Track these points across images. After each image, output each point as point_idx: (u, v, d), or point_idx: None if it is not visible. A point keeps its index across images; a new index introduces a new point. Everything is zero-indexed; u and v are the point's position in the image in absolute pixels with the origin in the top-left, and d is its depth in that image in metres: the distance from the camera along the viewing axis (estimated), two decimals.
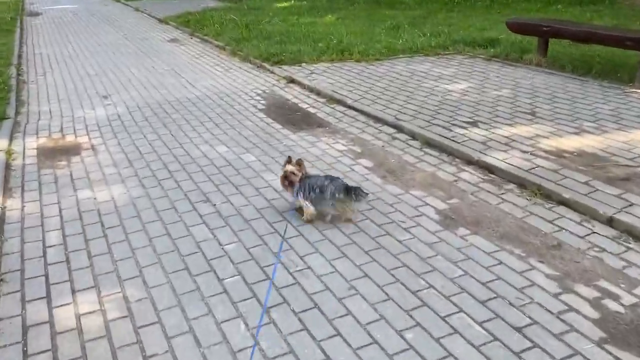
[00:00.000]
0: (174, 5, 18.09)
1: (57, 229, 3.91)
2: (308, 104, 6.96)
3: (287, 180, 3.77)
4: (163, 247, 3.65)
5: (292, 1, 15.80)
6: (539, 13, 12.16)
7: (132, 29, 14.07)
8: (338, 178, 3.78)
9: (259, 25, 12.06)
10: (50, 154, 5.41)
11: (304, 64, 8.66)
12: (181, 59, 10.05)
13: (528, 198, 4.21)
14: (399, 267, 3.36)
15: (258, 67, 9.07)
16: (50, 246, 3.69)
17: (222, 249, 3.62)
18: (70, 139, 5.89)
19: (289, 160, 3.82)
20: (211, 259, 3.49)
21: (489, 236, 3.71)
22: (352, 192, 3.59)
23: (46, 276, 3.35)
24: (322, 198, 3.63)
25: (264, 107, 6.89)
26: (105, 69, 9.25)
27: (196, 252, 3.58)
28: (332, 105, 6.78)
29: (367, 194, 3.81)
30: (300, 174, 3.74)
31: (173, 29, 13.68)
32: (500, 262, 3.41)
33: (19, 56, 10.54)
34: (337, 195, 3.58)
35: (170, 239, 3.75)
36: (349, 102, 6.67)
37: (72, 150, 5.51)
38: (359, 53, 8.80)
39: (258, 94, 7.47)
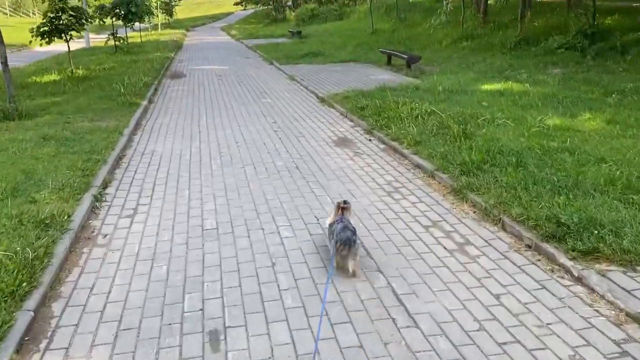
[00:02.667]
0: (336, 75, 14.27)
1: None
2: None
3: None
4: None
5: (509, 82, 11.00)
6: None
7: (284, 111, 10.25)
8: (349, 231, 3.74)
9: (478, 128, 7.40)
10: None
11: None
12: (361, 193, 5.72)
13: None
14: None
15: (530, 248, 4.29)
16: None
17: None
18: None
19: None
20: None
21: None
22: (345, 249, 3.66)
23: None
24: (333, 245, 3.78)
25: None
26: (234, 214, 5.17)
27: None
28: None
29: (355, 249, 3.77)
30: (334, 217, 4.01)
31: (339, 118, 9.56)
32: None
33: (118, 160, 6.94)
34: (340, 245, 3.70)
35: None
36: None
37: None
38: None
39: None
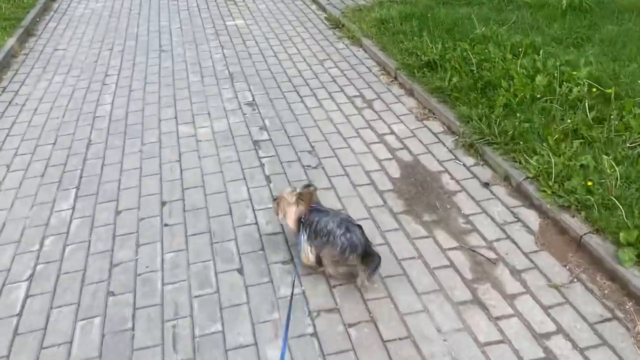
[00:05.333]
0: None
1: None
2: None
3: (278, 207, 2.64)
4: None
5: None
6: None
7: (267, 57, 5.45)
8: (356, 227, 2.40)
9: None
10: None
11: None
12: None
13: None
14: None
15: None
16: None
17: None
18: None
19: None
20: None
21: None
22: (369, 259, 2.36)
23: None
24: (328, 249, 2.39)
25: None
26: None
27: None
28: None
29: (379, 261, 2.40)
30: (305, 206, 2.53)
31: (381, 83, 4.83)
32: None
33: None
34: (348, 255, 2.34)
35: None
36: None
37: None
38: None
39: None
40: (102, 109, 4.48)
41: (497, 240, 2.82)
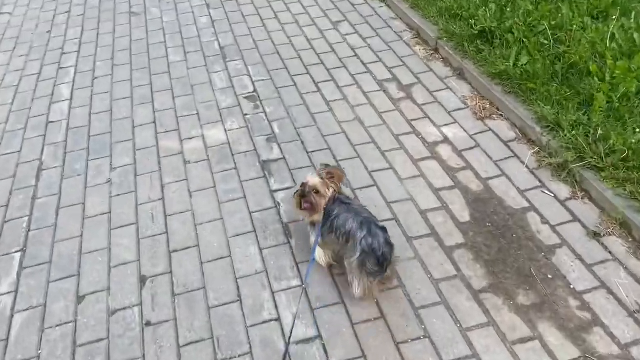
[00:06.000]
0: None
1: None
2: None
3: (306, 202, 2.08)
4: None
5: None
6: None
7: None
8: (379, 229, 1.98)
9: None
10: None
11: None
12: None
13: None
14: None
15: None
16: None
17: None
18: None
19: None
20: None
21: None
22: (385, 264, 1.97)
23: None
24: (346, 250, 2.02)
25: None
26: None
27: None
28: None
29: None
30: (328, 195, 2.08)
31: (412, 55, 3.70)
32: None
33: None
34: (367, 264, 1.95)
35: None
36: None
37: None
38: None
39: None
40: (58, 108, 3.42)
41: (635, 342, 1.92)
